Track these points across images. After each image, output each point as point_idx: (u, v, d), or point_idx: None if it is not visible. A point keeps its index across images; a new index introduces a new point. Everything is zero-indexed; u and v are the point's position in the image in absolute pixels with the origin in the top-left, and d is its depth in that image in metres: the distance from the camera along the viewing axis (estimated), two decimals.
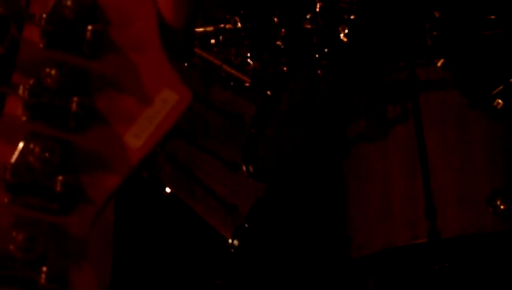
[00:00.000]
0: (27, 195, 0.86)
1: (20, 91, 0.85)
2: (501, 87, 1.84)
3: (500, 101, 1.84)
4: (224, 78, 1.99)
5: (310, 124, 2.04)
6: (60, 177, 0.85)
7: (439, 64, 1.88)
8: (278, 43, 1.96)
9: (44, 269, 0.84)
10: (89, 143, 0.87)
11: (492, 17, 1.88)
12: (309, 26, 1.93)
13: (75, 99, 0.85)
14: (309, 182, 2.12)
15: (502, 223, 1.80)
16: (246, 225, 2.03)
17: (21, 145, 0.85)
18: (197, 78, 2.11)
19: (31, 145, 0.85)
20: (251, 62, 1.98)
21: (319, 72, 1.92)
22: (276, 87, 1.96)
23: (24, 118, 0.86)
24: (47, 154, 0.85)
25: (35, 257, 0.84)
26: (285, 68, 1.96)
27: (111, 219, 2.19)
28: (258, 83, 1.96)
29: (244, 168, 1.97)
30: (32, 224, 0.85)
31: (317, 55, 1.91)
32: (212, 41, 1.98)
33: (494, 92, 1.84)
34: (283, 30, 1.95)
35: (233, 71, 1.97)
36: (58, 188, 0.85)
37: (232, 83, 1.99)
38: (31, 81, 0.85)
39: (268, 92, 1.96)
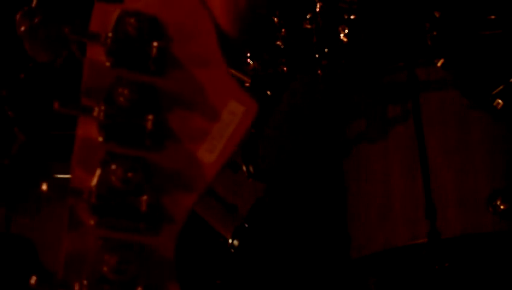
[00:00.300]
0: (113, 217, 0.85)
1: (96, 113, 0.84)
2: (501, 87, 1.84)
3: (500, 101, 1.84)
4: None
5: (310, 124, 2.04)
6: (145, 197, 0.84)
7: (439, 64, 1.88)
8: (278, 43, 1.96)
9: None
10: (166, 161, 0.86)
11: (493, 17, 1.88)
12: (309, 26, 1.93)
13: (150, 117, 0.85)
14: (309, 182, 2.12)
15: (502, 223, 1.80)
16: (246, 225, 2.03)
17: (102, 167, 0.84)
18: None
19: (113, 166, 0.84)
20: (251, 62, 1.98)
21: (319, 72, 1.92)
22: (276, 87, 1.96)
23: (100, 139, 0.85)
24: (130, 174, 0.84)
25: (129, 278, 0.83)
26: (285, 68, 1.96)
27: None
28: (258, 83, 1.96)
29: (244, 168, 1.97)
30: (123, 245, 0.84)
31: (317, 55, 1.91)
32: None
33: (494, 92, 1.84)
34: (283, 30, 1.95)
35: (233, 71, 1.97)
36: (144, 208, 0.84)
37: None
38: (104, 102, 0.84)
39: (268, 92, 1.96)
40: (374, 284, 2.03)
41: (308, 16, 1.93)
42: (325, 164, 2.11)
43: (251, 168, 1.97)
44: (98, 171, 0.84)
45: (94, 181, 0.84)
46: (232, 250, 2.04)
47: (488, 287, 1.93)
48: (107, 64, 0.85)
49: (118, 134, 0.85)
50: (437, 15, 1.88)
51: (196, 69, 0.87)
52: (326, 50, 1.91)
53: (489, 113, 1.85)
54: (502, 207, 1.79)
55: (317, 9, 1.91)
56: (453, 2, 1.90)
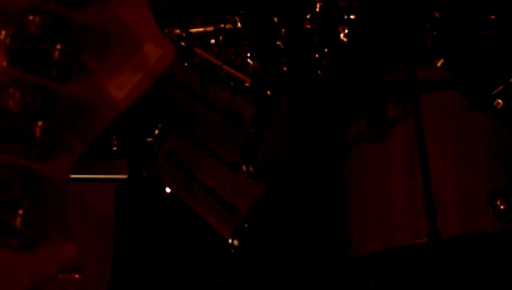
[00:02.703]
0: (6, 141, 0.86)
1: (2, 36, 0.84)
2: (501, 87, 1.84)
3: (500, 101, 1.83)
4: (224, 78, 1.99)
5: (310, 124, 2.04)
6: (40, 123, 0.85)
7: (439, 64, 1.88)
8: (278, 43, 1.96)
9: (21, 212, 0.84)
10: (71, 91, 0.87)
11: (493, 17, 1.88)
12: (309, 26, 1.93)
13: (58, 46, 0.85)
14: (309, 182, 2.12)
15: (502, 223, 1.80)
16: (246, 225, 2.03)
17: (1, 90, 0.86)
18: (197, 78, 2.11)
19: (11, 90, 0.85)
20: (251, 62, 1.98)
21: (319, 72, 1.92)
22: (276, 87, 1.96)
23: (5, 64, 0.86)
24: (27, 99, 0.85)
25: (10, 199, 0.84)
26: (285, 68, 1.96)
27: (111, 216, 2.19)
28: (258, 83, 1.96)
29: (244, 168, 1.97)
30: (10, 168, 0.85)
31: (317, 55, 1.91)
32: (212, 41, 1.98)
33: (494, 92, 1.84)
34: (283, 30, 1.95)
35: (233, 71, 1.97)
36: (38, 134, 0.85)
37: (232, 83, 1.99)
38: (13, 27, 0.85)
39: (268, 92, 1.96)
40: (374, 284, 2.03)
41: (308, 16, 1.93)
42: (325, 164, 2.11)
43: (251, 168, 1.97)
44: None
45: None
46: (232, 250, 2.04)
47: (488, 287, 1.93)
48: None
49: (24, 60, 0.86)
50: (437, 15, 1.88)
51: (119, 7, 0.88)
52: (326, 50, 1.91)
53: (489, 113, 1.85)
54: (502, 207, 1.79)
55: (317, 9, 1.91)
56: (453, 2, 1.90)
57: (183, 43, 1.97)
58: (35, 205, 0.86)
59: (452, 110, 1.87)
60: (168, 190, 2.19)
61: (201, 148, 2.10)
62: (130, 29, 0.88)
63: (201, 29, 2.00)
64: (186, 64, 2.04)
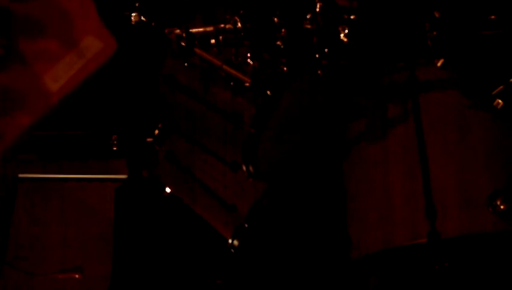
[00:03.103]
0: None
1: None
2: (501, 87, 1.84)
3: (500, 101, 1.84)
4: (224, 78, 1.99)
5: (310, 124, 2.04)
6: None
7: (439, 64, 1.89)
8: (278, 43, 1.96)
9: None
10: (5, 80, 0.87)
11: (493, 17, 1.89)
12: (309, 26, 1.93)
13: None
14: (309, 182, 2.12)
15: (502, 223, 1.80)
16: (246, 225, 2.03)
17: None
18: (197, 78, 2.11)
19: None
20: (251, 62, 1.98)
21: (319, 72, 1.92)
22: (276, 87, 1.96)
23: None
24: None
25: None
26: (285, 68, 1.96)
27: (111, 216, 2.20)
28: (258, 83, 1.96)
29: (244, 168, 1.98)
30: None
31: (317, 55, 1.91)
32: (212, 41, 1.98)
33: (494, 92, 1.84)
34: (283, 30, 1.95)
35: (233, 71, 1.97)
36: None
37: (232, 83, 1.99)
38: None
39: (268, 92, 1.96)
40: (374, 285, 2.03)
41: (308, 16, 1.93)
42: (324, 164, 2.11)
43: (251, 168, 1.97)
44: None
45: None
46: (232, 250, 2.04)
47: (488, 287, 1.93)
48: None
49: None
50: (437, 15, 1.88)
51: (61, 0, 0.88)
52: (326, 50, 1.91)
53: (489, 113, 1.85)
54: (502, 207, 1.79)
55: (317, 9, 1.91)
56: (453, 2, 1.90)
57: (183, 43, 1.97)
58: None
59: (452, 110, 1.87)
60: (168, 190, 2.19)
61: (201, 148, 2.10)
62: (71, 22, 0.89)
63: (201, 29, 2.00)
64: (186, 64, 2.04)
